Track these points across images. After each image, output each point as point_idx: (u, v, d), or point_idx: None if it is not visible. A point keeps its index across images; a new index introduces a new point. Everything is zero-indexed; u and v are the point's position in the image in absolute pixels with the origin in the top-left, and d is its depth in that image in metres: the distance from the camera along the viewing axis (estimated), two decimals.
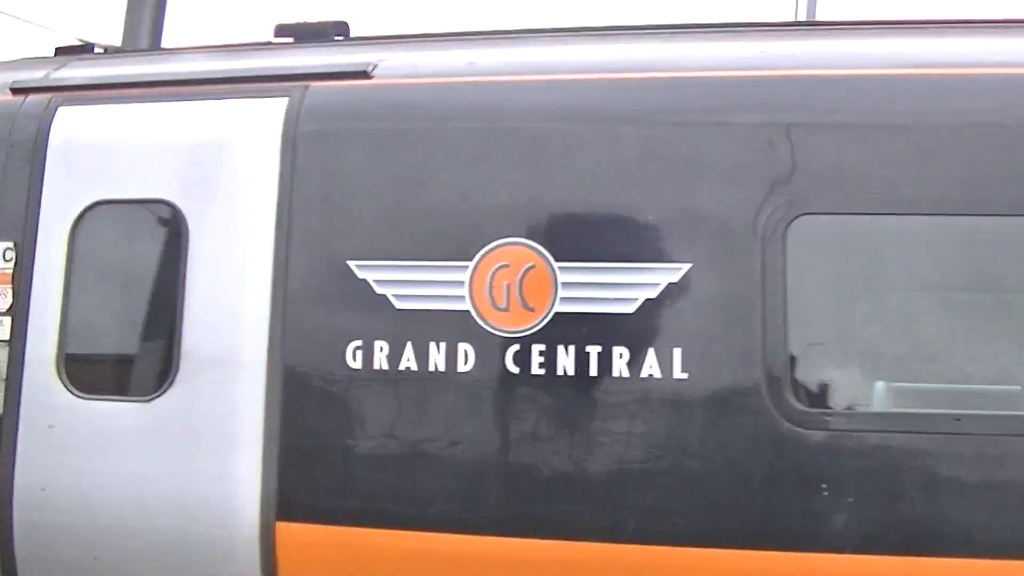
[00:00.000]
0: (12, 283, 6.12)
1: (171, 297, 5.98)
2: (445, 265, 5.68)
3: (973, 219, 5.42)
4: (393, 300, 5.66)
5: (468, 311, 5.63)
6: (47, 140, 6.20)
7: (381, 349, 5.63)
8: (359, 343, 5.64)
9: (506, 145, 5.74)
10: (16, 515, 6.01)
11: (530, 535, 5.52)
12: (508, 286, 5.64)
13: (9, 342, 6.05)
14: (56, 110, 6.27)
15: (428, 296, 5.66)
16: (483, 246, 5.66)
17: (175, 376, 5.94)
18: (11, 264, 6.14)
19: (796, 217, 5.43)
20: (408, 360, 5.62)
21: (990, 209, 5.37)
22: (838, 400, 5.60)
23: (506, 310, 5.62)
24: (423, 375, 5.60)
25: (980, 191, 5.38)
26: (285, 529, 5.63)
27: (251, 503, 5.69)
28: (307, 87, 6.05)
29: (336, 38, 6.63)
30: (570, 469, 5.51)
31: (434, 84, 6.06)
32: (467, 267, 5.66)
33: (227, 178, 6.00)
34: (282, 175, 5.88)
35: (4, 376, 6.07)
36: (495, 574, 5.55)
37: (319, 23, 6.66)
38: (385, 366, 5.64)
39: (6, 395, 6.02)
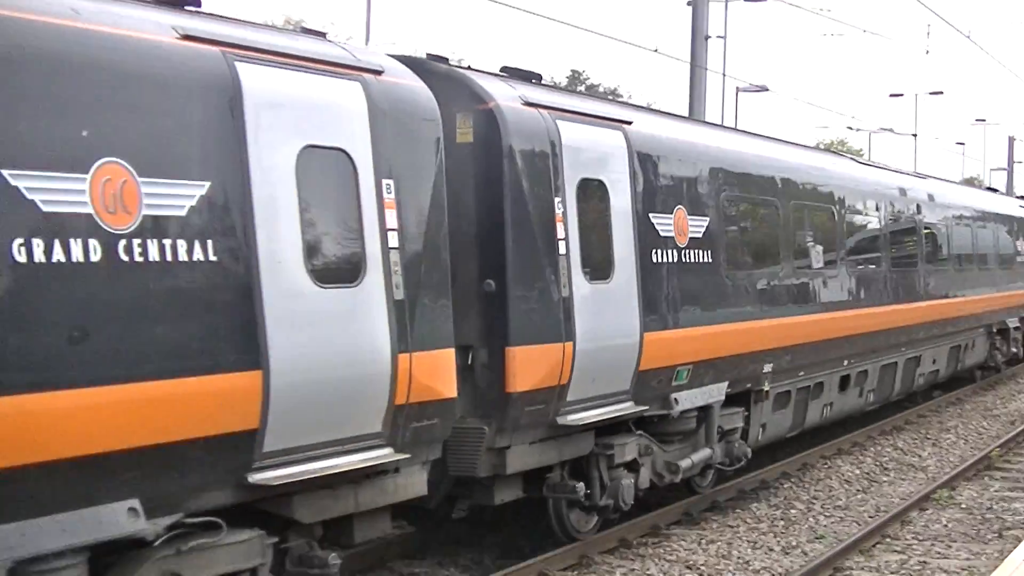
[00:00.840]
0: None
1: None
2: (73, 176, 7.08)
3: None
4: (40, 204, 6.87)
5: (91, 213, 7.13)
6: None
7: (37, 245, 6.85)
8: (20, 240, 6.78)
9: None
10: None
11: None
12: (114, 195, 7.28)
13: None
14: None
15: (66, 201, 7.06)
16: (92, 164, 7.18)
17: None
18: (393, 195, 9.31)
19: None
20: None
21: None
22: None
23: (114, 212, 7.25)
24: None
25: None
26: None
27: None
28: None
29: None
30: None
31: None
32: (85, 179, 7.14)
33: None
34: None
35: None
36: None
37: None
38: (42, 259, 6.84)
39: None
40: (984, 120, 66.28)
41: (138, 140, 7.43)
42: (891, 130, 55.86)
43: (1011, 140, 70.45)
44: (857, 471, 18.59)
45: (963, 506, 16.19)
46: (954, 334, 24.62)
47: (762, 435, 16.37)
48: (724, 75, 33.75)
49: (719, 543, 14.02)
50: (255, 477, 8.16)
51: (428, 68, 10.93)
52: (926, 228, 23.04)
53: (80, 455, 7.00)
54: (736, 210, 15.57)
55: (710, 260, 14.44)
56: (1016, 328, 29.67)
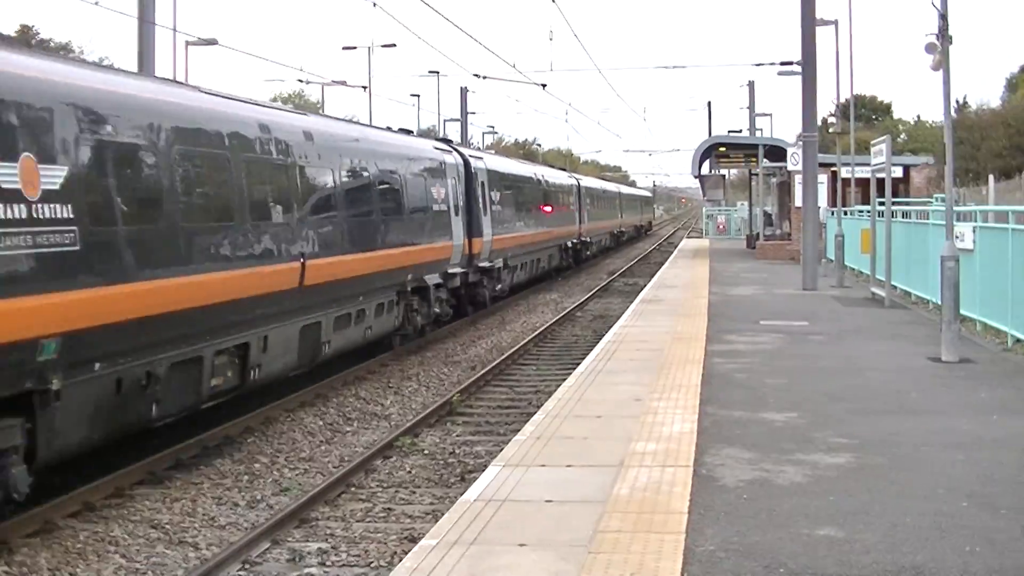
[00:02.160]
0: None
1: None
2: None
3: None
4: None
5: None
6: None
7: None
8: None
9: None
10: None
11: None
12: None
13: None
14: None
15: None
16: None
17: None
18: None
19: None
20: None
21: None
22: None
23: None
24: None
25: None
26: None
27: None
28: None
29: None
30: None
31: None
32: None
33: None
34: None
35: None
36: None
37: None
38: None
39: None
40: (437, 72, 68.32)
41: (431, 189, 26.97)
42: (344, 83, 57.12)
43: (463, 91, 73.56)
44: (320, 422, 18.93)
45: (426, 452, 16.81)
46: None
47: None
48: (175, 30, 32.99)
49: (184, 501, 14.00)
50: None
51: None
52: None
53: None
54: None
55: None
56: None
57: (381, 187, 24.03)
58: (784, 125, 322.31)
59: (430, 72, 69.34)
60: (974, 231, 21.38)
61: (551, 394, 16.15)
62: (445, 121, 77.96)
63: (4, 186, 11.38)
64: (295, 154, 19.28)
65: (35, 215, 11.78)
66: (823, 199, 41.16)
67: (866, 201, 34.48)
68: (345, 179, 21.76)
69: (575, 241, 53.78)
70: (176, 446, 15.98)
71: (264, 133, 18.24)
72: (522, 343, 27.74)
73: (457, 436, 17.97)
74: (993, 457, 11.25)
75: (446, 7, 79.95)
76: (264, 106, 19.88)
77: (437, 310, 28.18)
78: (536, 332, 30.07)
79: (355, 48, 63.51)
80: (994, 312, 20.61)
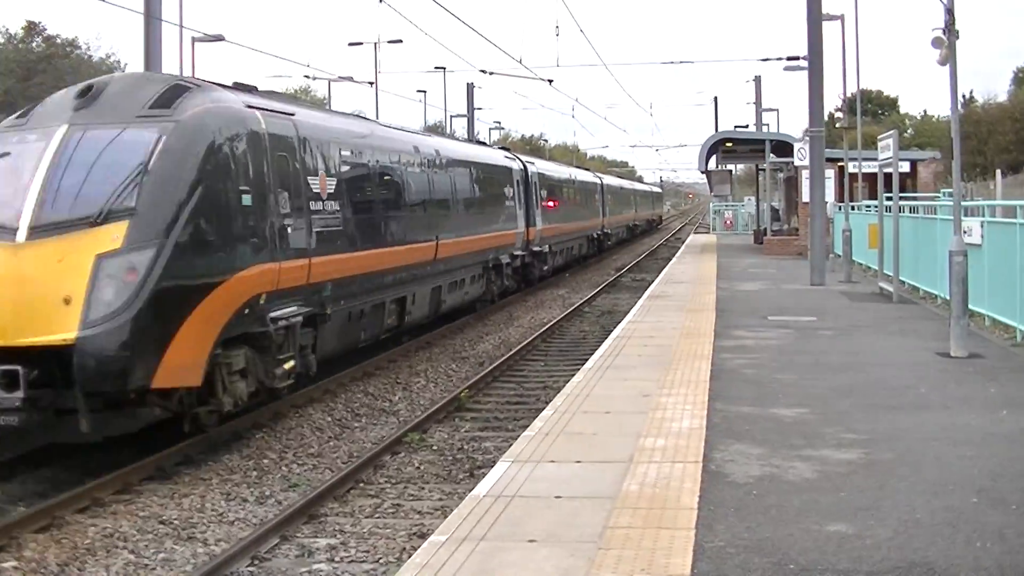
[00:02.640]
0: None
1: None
2: None
3: None
4: None
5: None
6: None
7: None
8: None
9: None
10: None
11: None
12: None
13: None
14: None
15: None
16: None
17: None
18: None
19: None
20: None
21: None
22: None
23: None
24: None
25: None
26: None
27: None
28: None
29: None
30: None
31: None
32: None
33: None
34: None
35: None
36: None
37: None
38: None
39: None
40: (443, 68, 68.48)
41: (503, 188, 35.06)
42: (351, 79, 57.13)
43: (470, 87, 73.58)
44: (329, 418, 18.92)
45: (435, 448, 16.80)
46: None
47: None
48: (181, 26, 33.10)
49: (192, 496, 13.99)
50: None
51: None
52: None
53: None
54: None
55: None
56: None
57: (477, 187, 32.70)
58: (791, 120, 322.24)
59: (436, 68, 69.19)
60: (982, 226, 21.36)
61: (559, 390, 16.18)
62: (452, 117, 77.99)
63: (314, 189, 19.18)
64: (431, 165, 27.76)
65: (324, 208, 19.55)
66: (830, 194, 41.26)
67: (873, 196, 34.56)
68: (459, 182, 30.39)
69: (599, 232, 62.31)
70: (184, 442, 15.99)
71: (415, 152, 26.69)
72: (530, 339, 27.73)
73: (465, 432, 17.97)
74: (1003, 453, 11.23)
75: (452, 3, 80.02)
76: (414, 132, 29.87)
77: (507, 283, 36.84)
78: (544, 328, 30.07)
79: (361, 44, 63.41)
80: (1003, 307, 20.59)
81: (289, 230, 17.87)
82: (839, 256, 37.16)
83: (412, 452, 16.55)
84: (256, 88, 19.18)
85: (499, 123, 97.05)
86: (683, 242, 70.29)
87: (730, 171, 67.61)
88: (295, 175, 18.46)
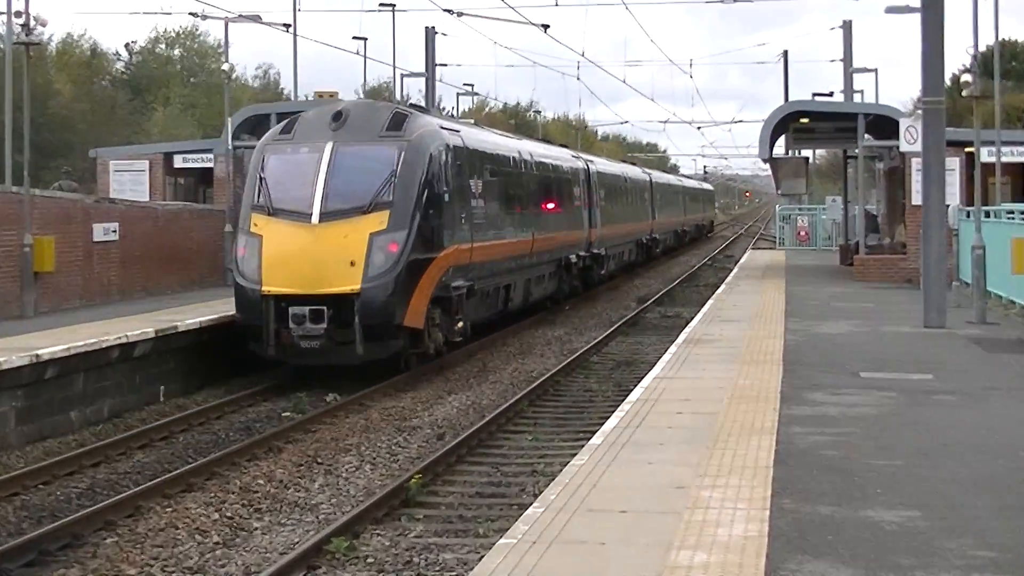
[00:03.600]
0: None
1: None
2: None
3: None
4: None
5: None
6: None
7: None
8: None
9: None
10: None
11: None
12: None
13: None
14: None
15: None
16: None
17: None
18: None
19: None
20: None
21: None
22: None
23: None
24: None
25: None
26: None
27: None
28: None
29: None
30: None
31: None
32: None
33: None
34: None
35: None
36: None
37: None
38: None
39: None
40: (392, 5, 67.88)
41: (573, 188, 53.16)
42: (257, 18, 57.70)
43: (430, 33, 73.55)
44: (216, 514, 18.79)
45: (370, 561, 16.66)
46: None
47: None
48: None
49: None
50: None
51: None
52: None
53: None
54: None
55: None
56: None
57: (557, 187, 49.18)
58: (894, 86, 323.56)
59: (381, 6, 68.68)
60: None
61: (554, 477, 16.10)
62: (403, 76, 77.96)
63: (472, 190, 36.14)
64: (528, 167, 44.58)
65: (477, 205, 36.29)
66: (954, 194, 40.96)
67: (1020, 197, 34.33)
68: (545, 182, 46.94)
69: (648, 237, 76.76)
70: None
71: (520, 155, 43.91)
72: (511, 401, 27.78)
73: (415, 538, 17.84)
74: None
75: None
76: (511, 137, 49.69)
77: (574, 283, 52.50)
78: (533, 384, 30.24)
79: None
80: None
81: (463, 221, 34.71)
82: (967, 285, 36.89)
83: (337, 567, 16.39)
84: (426, 108, 43.81)
85: (471, 86, 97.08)
86: (736, 261, 70.91)
87: (805, 159, 67.17)
88: (465, 179, 35.57)
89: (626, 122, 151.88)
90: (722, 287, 48.04)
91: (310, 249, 30.88)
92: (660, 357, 27.44)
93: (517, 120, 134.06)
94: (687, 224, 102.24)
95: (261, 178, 32.88)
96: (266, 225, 31.89)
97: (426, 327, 32.13)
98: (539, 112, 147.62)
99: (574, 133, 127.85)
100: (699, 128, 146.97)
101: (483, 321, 38.37)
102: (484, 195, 37.29)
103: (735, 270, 59.28)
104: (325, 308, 30.22)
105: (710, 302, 40.90)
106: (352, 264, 30.51)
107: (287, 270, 31.04)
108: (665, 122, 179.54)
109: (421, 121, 33.90)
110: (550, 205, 47.40)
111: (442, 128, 35.04)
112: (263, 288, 31.02)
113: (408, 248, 30.96)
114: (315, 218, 31.26)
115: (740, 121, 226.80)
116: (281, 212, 31.94)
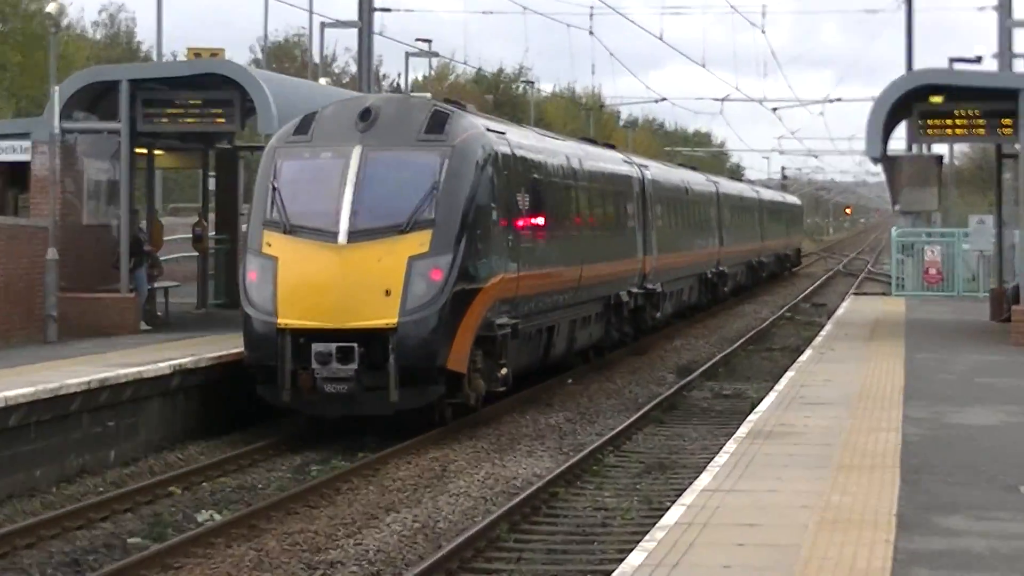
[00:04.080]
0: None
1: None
2: None
3: None
4: None
5: None
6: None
7: None
8: None
9: None
10: None
11: None
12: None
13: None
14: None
15: None
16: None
17: None
18: None
19: None
20: None
21: None
22: None
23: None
24: None
25: None
26: None
27: None
28: None
29: None
30: None
31: None
32: None
33: None
34: None
35: None
36: None
37: None
38: None
39: None
40: None
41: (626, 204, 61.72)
42: None
43: None
44: None
45: None
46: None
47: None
48: None
49: None
50: None
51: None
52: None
53: None
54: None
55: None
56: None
57: (608, 202, 55.94)
58: None
59: None
60: None
61: None
62: (324, 26, 78.11)
63: (519, 206, 42.63)
64: (581, 180, 51.53)
65: (524, 225, 42.76)
66: None
67: None
68: (595, 197, 53.51)
69: (713, 271, 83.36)
70: None
71: (567, 160, 50.37)
72: (484, 524, 27.71)
73: None
74: None
75: None
76: (563, 139, 57.84)
77: (625, 328, 58.39)
78: (517, 498, 30.18)
79: None
80: None
81: (509, 245, 39.81)
82: None
83: None
84: (467, 105, 44.28)
85: (428, 43, 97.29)
86: (830, 313, 72.14)
87: (938, 159, 66.25)
88: (512, 192, 40.63)
89: (663, 99, 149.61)
90: (808, 352, 48.66)
91: (337, 275, 35.98)
92: (712, 459, 27.47)
93: (498, 95, 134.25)
94: (764, 253, 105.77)
95: (274, 188, 37.26)
96: (282, 245, 36.59)
97: (468, 372, 37.40)
98: (532, 84, 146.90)
99: (583, 115, 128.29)
100: (775, 110, 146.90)
101: (523, 371, 43.86)
102: (531, 213, 42.74)
103: (828, 326, 59.77)
104: (356, 345, 35.19)
105: (789, 375, 41.40)
106: (387, 294, 35.67)
107: (309, 300, 36.00)
108: (723, 100, 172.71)
109: (466, 122, 39.05)
110: (600, 226, 53.95)
111: (488, 130, 40.24)
112: (279, 321, 35.71)
113: (454, 276, 36.12)
114: (342, 237, 35.98)
115: (837, 100, 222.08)
116: (300, 230, 36.63)
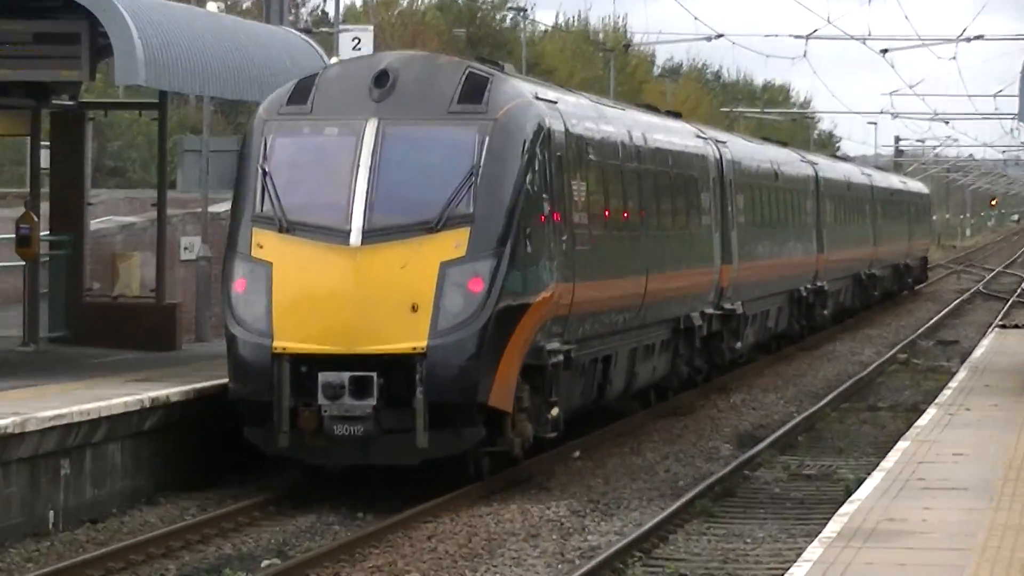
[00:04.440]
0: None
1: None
2: None
3: None
4: None
5: None
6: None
7: None
8: None
9: None
10: None
11: None
12: None
13: None
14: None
15: None
16: None
17: None
18: None
19: None
20: None
21: None
22: None
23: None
24: None
25: None
26: None
27: None
28: None
29: None
30: None
31: None
32: None
33: None
34: None
35: None
36: None
37: None
38: None
39: None
40: None
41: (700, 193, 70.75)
42: None
43: None
44: None
45: None
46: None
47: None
48: None
49: None
50: None
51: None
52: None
53: None
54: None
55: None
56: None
57: (675, 192, 57.17)
58: None
59: None
60: None
61: None
62: None
63: (576, 200, 48.10)
64: (647, 163, 56.77)
65: (580, 221, 48.07)
66: None
67: None
68: (660, 184, 56.61)
69: (808, 287, 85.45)
70: None
71: (628, 135, 55.01)
72: None
73: None
74: None
75: None
76: (622, 107, 60.48)
77: (697, 362, 59.59)
78: None
79: None
80: None
81: (564, 247, 39.73)
82: None
83: None
84: (504, 65, 42.40)
85: None
86: (964, 356, 72.96)
87: None
88: (566, 180, 40.79)
89: (719, 36, 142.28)
90: (930, 412, 46.36)
91: (348, 285, 37.06)
92: (786, 572, 26.37)
93: (471, 31, 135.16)
94: (876, 263, 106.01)
95: (264, 172, 38.42)
96: (278, 247, 37.70)
97: (513, 411, 37.69)
98: (524, 12, 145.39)
99: (601, 59, 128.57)
100: (884, 51, 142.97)
101: (573, 414, 44.63)
102: (589, 206, 43.95)
103: (960, 374, 56.79)
104: (374, 375, 36.14)
105: (902, 445, 39.73)
106: (414, 309, 37.17)
107: (313, 317, 37.20)
108: (808, 37, 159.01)
109: (510, 88, 39.65)
110: (669, 223, 55.43)
111: (537, 99, 40.74)
112: (275, 344, 36.85)
113: (497, 286, 37.30)
114: (355, 237, 37.25)
115: (977, 38, 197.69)
116: (301, 227, 37.76)
